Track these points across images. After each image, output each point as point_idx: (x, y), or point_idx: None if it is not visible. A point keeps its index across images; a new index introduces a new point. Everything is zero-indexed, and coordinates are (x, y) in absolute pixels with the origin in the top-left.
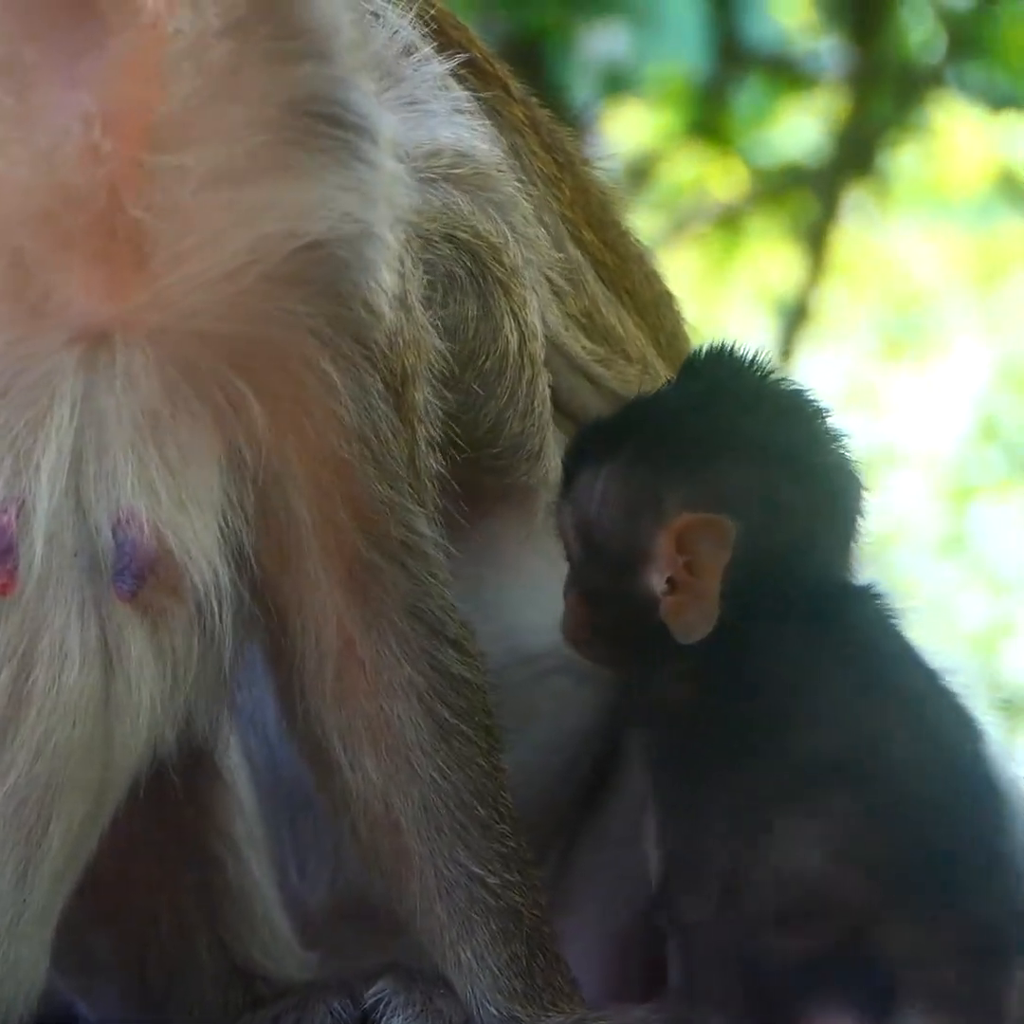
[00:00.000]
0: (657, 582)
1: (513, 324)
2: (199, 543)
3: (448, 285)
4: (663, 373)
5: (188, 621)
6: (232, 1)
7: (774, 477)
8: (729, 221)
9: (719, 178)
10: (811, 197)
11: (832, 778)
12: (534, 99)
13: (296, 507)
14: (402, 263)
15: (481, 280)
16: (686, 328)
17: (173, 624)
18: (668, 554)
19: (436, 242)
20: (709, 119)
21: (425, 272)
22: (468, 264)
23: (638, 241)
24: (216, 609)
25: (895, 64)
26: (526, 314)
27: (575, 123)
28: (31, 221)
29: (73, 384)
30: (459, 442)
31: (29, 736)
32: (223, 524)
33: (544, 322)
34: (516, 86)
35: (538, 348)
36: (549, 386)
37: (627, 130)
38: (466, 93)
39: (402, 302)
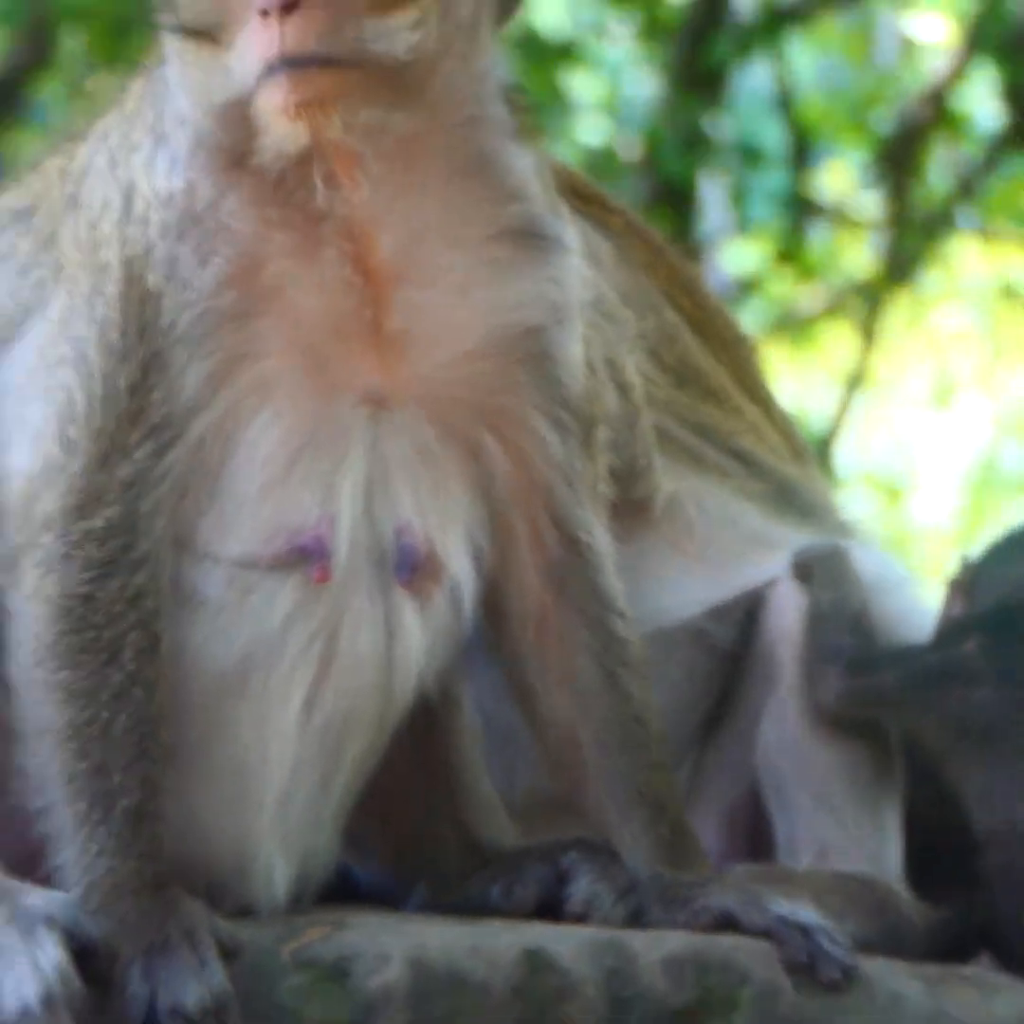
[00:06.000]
0: None
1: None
2: (454, 546)
3: None
4: (741, 403)
5: (443, 600)
6: (437, 167)
7: None
8: (807, 322)
9: (800, 292)
10: (864, 304)
11: None
12: (633, 214)
13: (513, 519)
14: (583, 338)
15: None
16: (759, 359)
17: (434, 603)
18: None
19: None
20: (793, 251)
21: None
22: None
23: (719, 300)
24: (462, 591)
25: (921, 210)
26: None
27: (698, 251)
28: (321, 328)
29: (364, 434)
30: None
31: (334, 684)
32: (469, 531)
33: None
34: (611, 201)
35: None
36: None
37: (736, 258)
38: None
39: (589, 365)
